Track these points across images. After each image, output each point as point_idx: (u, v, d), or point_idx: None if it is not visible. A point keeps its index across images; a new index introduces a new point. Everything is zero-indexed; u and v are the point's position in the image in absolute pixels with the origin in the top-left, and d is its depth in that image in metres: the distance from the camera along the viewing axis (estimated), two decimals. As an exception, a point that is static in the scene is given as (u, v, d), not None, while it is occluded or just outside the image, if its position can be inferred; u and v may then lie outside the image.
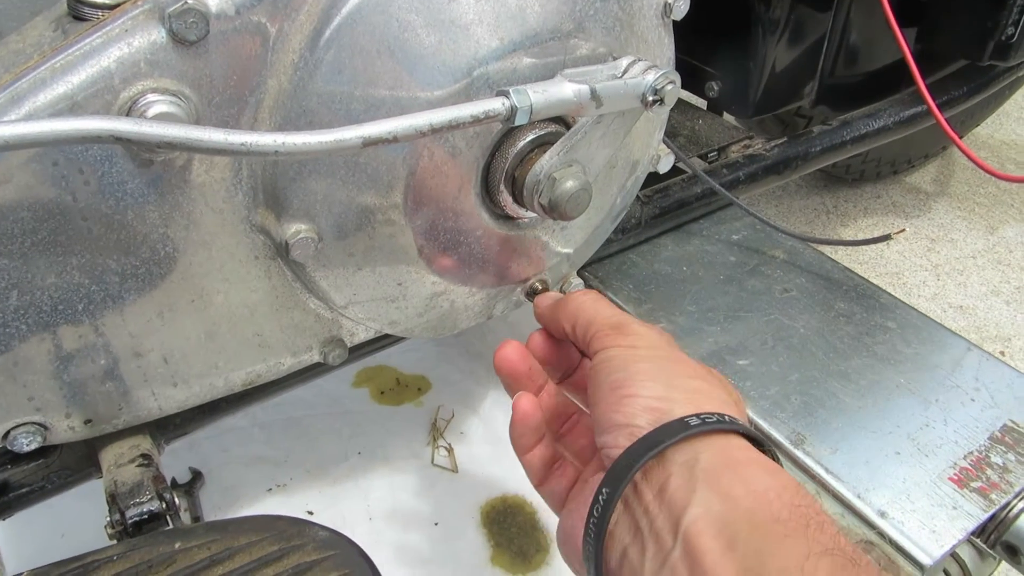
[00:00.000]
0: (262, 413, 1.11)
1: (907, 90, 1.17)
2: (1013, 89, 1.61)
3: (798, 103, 1.18)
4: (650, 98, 0.56)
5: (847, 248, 1.42)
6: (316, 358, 0.68)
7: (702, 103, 1.21)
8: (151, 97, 0.47)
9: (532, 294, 0.71)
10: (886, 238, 0.83)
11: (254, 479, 1.02)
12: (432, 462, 1.05)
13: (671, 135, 1.11)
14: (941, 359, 0.81)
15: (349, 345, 0.69)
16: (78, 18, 0.49)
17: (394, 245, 0.59)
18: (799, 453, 0.70)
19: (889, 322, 0.86)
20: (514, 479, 1.01)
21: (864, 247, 1.44)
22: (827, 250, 1.04)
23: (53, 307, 0.52)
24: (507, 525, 0.97)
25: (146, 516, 0.53)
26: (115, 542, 0.51)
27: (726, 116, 1.19)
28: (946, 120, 1.07)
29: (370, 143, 0.46)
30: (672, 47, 0.68)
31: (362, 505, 0.99)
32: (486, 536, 0.96)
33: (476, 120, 0.49)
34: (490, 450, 1.06)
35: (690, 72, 1.17)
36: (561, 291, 0.78)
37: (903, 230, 0.83)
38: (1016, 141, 1.91)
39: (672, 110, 1.17)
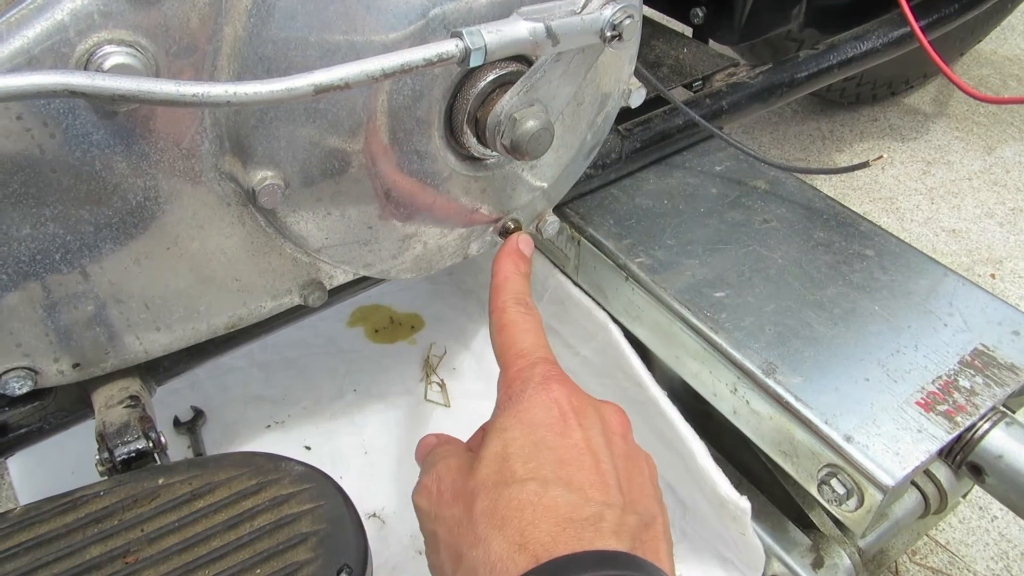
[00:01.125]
0: (260, 354, 1.13)
1: (895, 10, 1.15)
2: (1015, 3, 1.58)
3: (786, 27, 1.16)
4: (608, 33, 0.56)
5: (841, 175, 1.41)
6: (296, 301, 0.70)
7: (688, 30, 1.19)
8: (107, 48, 0.48)
9: (504, 233, 0.72)
10: (864, 165, 0.83)
11: (253, 417, 1.05)
12: (425, 397, 1.07)
13: (655, 65, 1.10)
14: (917, 285, 0.82)
15: (328, 288, 0.71)
16: (30, -29, 0.49)
17: (360, 190, 0.60)
18: (770, 382, 0.72)
19: (867, 250, 0.87)
20: (505, 411, 1.04)
21: (857, 172, 1.43)
22: (816, 179, 1.04)
23: (31, 257, 0.54)
24: (498, 455, 1.00)
25: (133, 454, 0.56)
26: (105, 478, 0.54)
27: (712, 44, 1.18)
28: (936, 40, 1.06)
29: (321, 90, 0.46)
30: (638, -21, 0.67)
31: (357, 440, 1.02)
32: (477, 466, 0.99)
33: (429, 63, 0.49)
34: (482, 385, 1.08)
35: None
36: (537, 229, 0.79)
37: (881, 156, 0.82)
38: (1020, 56, 1.87)
39: (656, 39, 1.17)
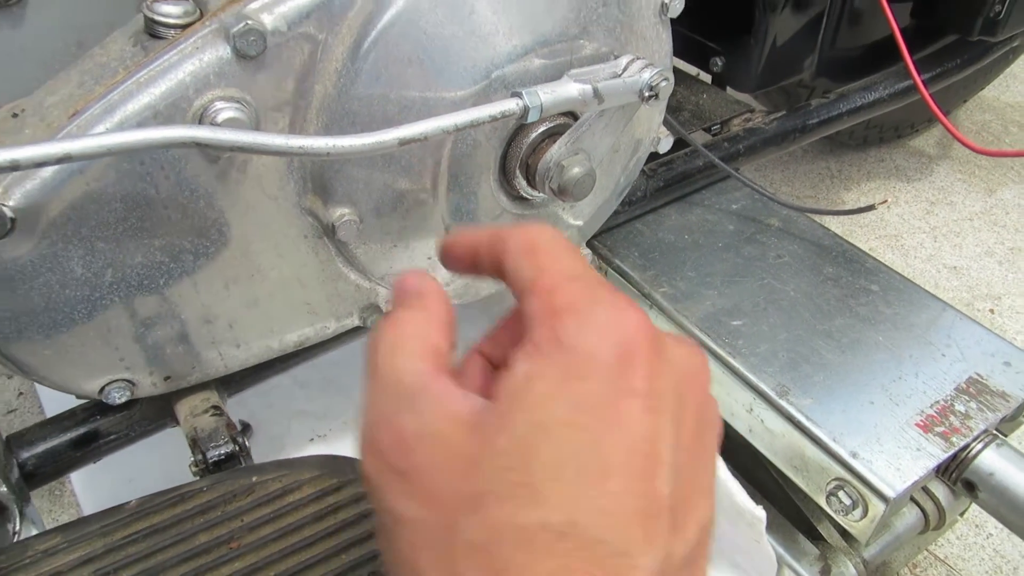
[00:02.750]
0: (302, 373, 1.20)
1: (900, 63, 1.23)
2: (1016, 54, 1.66)
3: (799, 76, 1.24)
4: (646, 94, 0.64)
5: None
6: (356, 323, 0.78)
7: (707, 77, 1.28)
8: (219, 104, 0.56)
9: (545, 264, 0.80)
10: (870, 208, 0.91)
11: (297, 430, 1.13)
12: (457, 415, 1.14)
13: (676, 109, 1.18)
14: (918, 318, 0.89)
15: (384, 310, 0.79)
16: (154, 36, 0.57)
17: (424, 224, 0.68)
18: (783, 403, 0.79)
19: (873, 285, 0.94)
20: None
21: (854, 215, 1.51)
22: (825, 217, 1.12)
23: (140, 282, 0.62)
24: (526, 471, 1.07)
25: (223, 456, 0.63)
26: (198, 478, 0.61)
27: (729, 90, 1.26)
28: (939, 90, 1.14)
29: (405, 143, 0.54)
30: (669, 41, 0.75)
31: (394, 454, 1.09)
32: (507, 481, 1.06)
33: (494, 119, 0.58)
34: (510, 404, 1.16)
35: (695, 47, 1.24)
36: (571, 260, 0.86)
37: (886, 201, 0.90)
38: (1021, 103, 1.96)
39: (678, 85, 1.25)
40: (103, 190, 0.56)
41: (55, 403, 1.13)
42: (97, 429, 0.73)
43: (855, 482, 0.73)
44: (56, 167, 0.53)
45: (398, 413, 0.33)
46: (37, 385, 1.09)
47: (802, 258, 0.98)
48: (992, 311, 1.35)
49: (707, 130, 1.15)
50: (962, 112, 1.90)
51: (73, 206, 0.55)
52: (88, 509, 0.99)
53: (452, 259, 0.42)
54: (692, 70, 1.29)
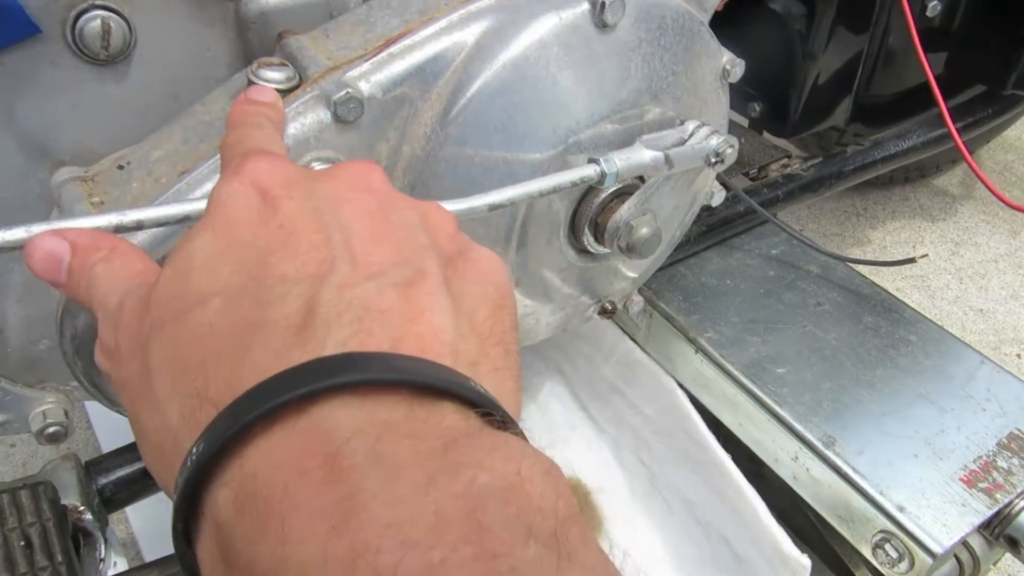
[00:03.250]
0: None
1: (933, 111, 1.26)
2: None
3: (834, 122, 1.28)
4: (712, 160, 0.67)
5: (877, 254, 1.51)
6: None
7: (743, 121, 1.31)
8: (316, 164, 0.59)
9: (603, 312, 0.82)
10: (911, 260, 0.94)
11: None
12: (495, 447, 1.17)
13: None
14: (957, 371, 0.92)
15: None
16: (256, 99, 0.60)
17: (496, 277, 0.70)
18: (830, 453, 0.82)
19: (912, 335, 0.96)
20: (569, 462, 1.13)
21: (888, 248, 1.54)
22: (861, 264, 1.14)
23: (226, 328, 0.64)
24: (563, 505, 1.09)
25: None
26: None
27: (766, 134, 1.29)
28: (969, 138, 1.17)
29: (494, 208, 0.57)
30: (727, 104, 0.78)
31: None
32: (545, 514, 1.08)
33: (574, 184, 0.61)
34: (548, 436, 1.18)
35: (733, 92, 1.27)
36: (624, 307, 0.89)
37: (926, 255, 0.93)
38: (1046, 145, 1.98)
39: (717, 130, 1.27)
40: (204, 245, 0.58)
41: (110, 436, 1.17)
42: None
43: (902, 536, 0.75)
44: (163, 224, 0.56)
45: (111, 314, 0.36)
46: (94, 419, 1.11)
47: (842, 306, 1.01)
48: (1019, 356, 1.38)
49: (745, 174, 1.18)
50: (984, 152, 1.93)
51: (176, 259, 0.58)
52: (134, 520, 1.01)
53: None
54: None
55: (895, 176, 1.73)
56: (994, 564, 0.97)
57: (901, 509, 0.76)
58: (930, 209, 1.74)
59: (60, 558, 0.53)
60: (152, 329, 0.32)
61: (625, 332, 1.08)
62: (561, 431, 1.19)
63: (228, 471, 0.26)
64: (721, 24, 1.20)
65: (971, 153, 1.89)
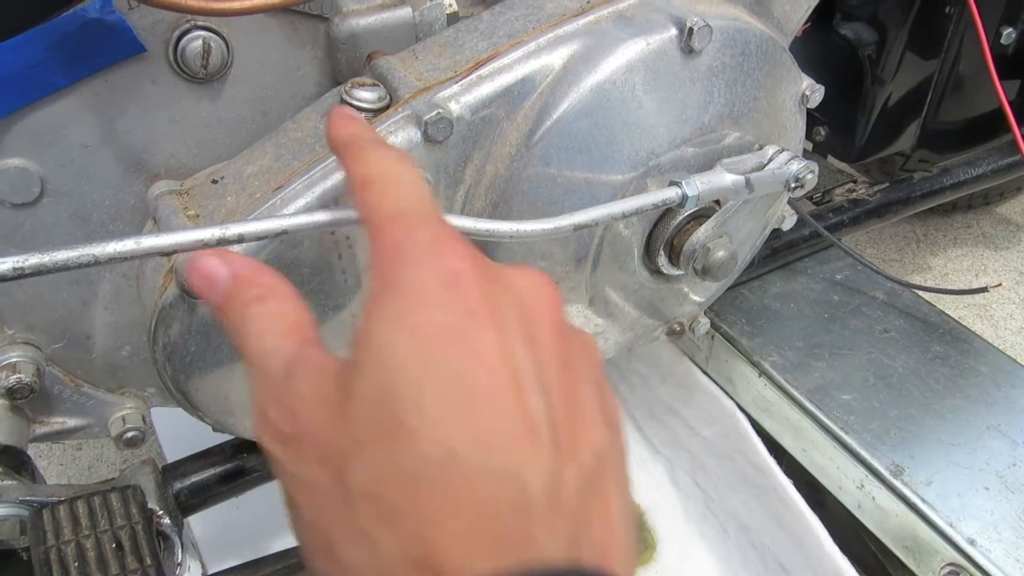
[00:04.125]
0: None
1: (1005, 138, 1.24)
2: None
3: (901, 148, 1.26)
4: (792, 185, 0.67)
5: (938, 281, 1.49)
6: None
7: (808, 145, 1.30)
8: (404, 182, 0.61)
9: (671, 334, 0.83)
10: (983, 290, 0.93)
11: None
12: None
13: (779, 176, 1.21)
14: (1028, 403, 0.90)
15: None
16: (348, 118, 0.62)
17: (571, 296, 0.71)
18: (898, 483, 0.81)
19: (982, 366, 0.95)
20: (623, 483, 1.13)
21: (951, 276, 1.52)
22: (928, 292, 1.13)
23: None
24: (618, 524, 1.09)
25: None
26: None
27: (830, 158, 1.28)
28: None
29: (579, 228, 0.58)
30: (803, 129, 0.78)
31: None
32: (600, 533, 1.08)
33: (656, 207, 0.61)
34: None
35: (798, 115, 1.27)
36: (690, 330, 0.89)
37: (1000, 284, 0.92)
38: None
39: (781, 153, 1.27)
40: (296, 256, 0.60)
41: (173, 442, 1.19)
42: (243, 466, 0.78)
43: (972, 570, 0.74)
44: (258, 236, 0.58)
45: (277, 386, 0.34)
46: (157, 425, 1.14)
47: (909, 334, 1.00)
48: (1085, 389, 1.34)
49: (809, 198, 1.18)
50: (1050, 180, 1.89)
51: (268, 271, 0.60)
52: (196, 527, 1.04)
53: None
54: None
55: (958, 203, 1.70)
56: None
57: (972, 542, 0.75)
58: (993, 237, 1.71)
59: (149, 561, 0.55)
60: (352, 447, 0.31)
61: (684, 353, 1.08)
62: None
63: None
64: (790, 48, 1.20)
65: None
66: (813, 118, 1.24)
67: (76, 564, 0.52)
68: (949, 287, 1.13)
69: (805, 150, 1.29)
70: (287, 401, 0.34)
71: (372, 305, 0.33)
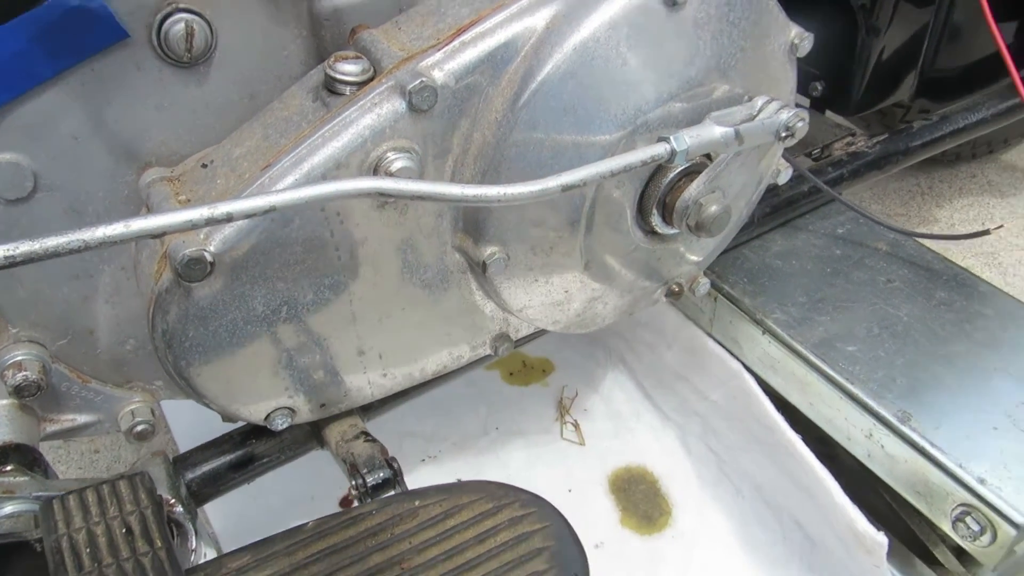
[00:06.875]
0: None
1: (1004, 82, 1.23)
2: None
3: (899, 98, 1.25)
4: (783, 134, 0.66)
5: (944, 231, 1.48)
6: (488, 351, 0.82)
7: (805, 100, 1.29)
8: (391, 155, 0.61)
9: (670, 295, 0.83)
10: (985, 233, 0.92)
11: (408, 451, 1.17)
12: (561, 436, 1.18)
13: (776, 134, 1.20)
14: (1036, 344, 0.90)
15: (514, 340, 0.82)
16: (333, 92, 0.62)
17: (566, 260, 0.71)
18: (906, 429, 0.81)
19: (987, 309, 0.94)
20: (636, 451, 1.14)
21: (957, 226, 1.51)
22: (931, 240, 1.12)
23: (308, 317, 0.66)
24: (632, 492, 1.10)
25: (381, 481, 0.67)
26: (358, 503, 0.65)
27: (828, 113, 1.27)
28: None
29: (567, 189, 0.58)
30: (795, 79, 0.78)
31: (503, 474, 1.13)
32: (614, 501, 1.08)
33: (645, 163, 0.61)
34: (612, 425, 1.18)
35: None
36: (691, 289, 0.89)
37: (1001, 226, 0.91)
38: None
39: (776, 111, 1.26)
40: (288, 235, 0.61)
41: (187, 436, 1.20)
42: (252, 453, 0.78)
43: (984, 508, 0.74)
44: (250, 215, 0.58)
45: None
46: (170, 419, 1.15)
47: (912, 283, 0.99)
48: (1097, 331, 1.33)
49: (808, 155, 1.17)
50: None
51: (261, 250, 0.60)
52: (215, 518, 1.05)
53: None
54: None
55: (962, 153, 1.68)
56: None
57: (982, 481, 0.75)
58: (999, 185, 1.69)
59: (160, 543, 0.55)
60: None
61: (688, 317, 1.08)
62: (627, 421, 1.19)
63: None
64: (783, 2, 1.19)
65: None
66: (809, 73, 1.23)
67: (88, 550, 0.53)
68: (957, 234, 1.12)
69: (800, 106, 1.28)
70: None
71: None
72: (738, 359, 1.01)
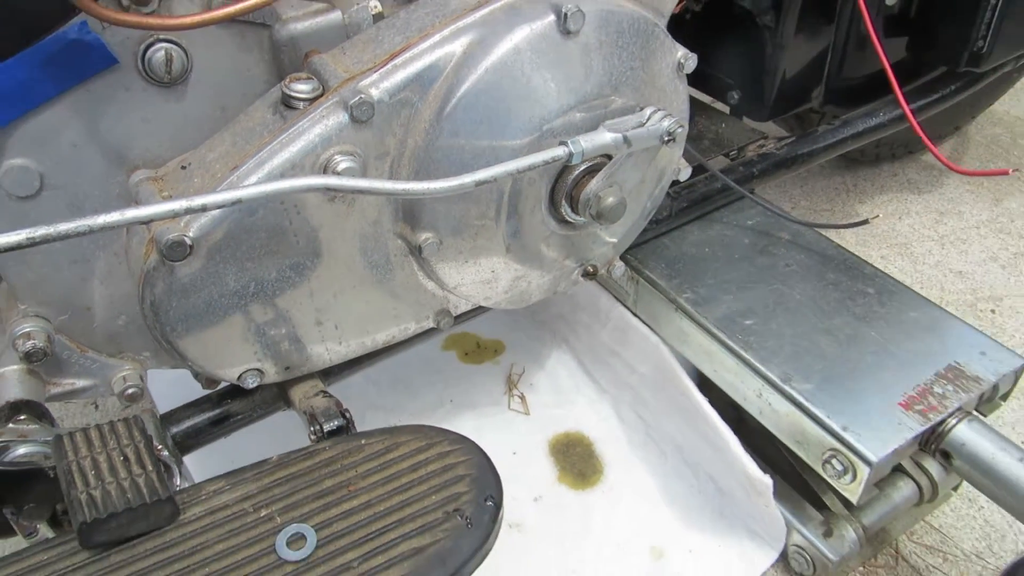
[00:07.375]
0: (374, 373, 1.38)
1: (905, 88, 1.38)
2: (1022, 72, 1.79)
3: (808, 105, 1.40)
4: (666, 138, 0.81)
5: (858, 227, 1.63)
6: (431, 325, 0.95)
7: (726, 108, 1.44)
8: (338, 157, 0.74)
9: (586, 275, 0.97)
10: (864, 222, 1.07)
11: (372, 422, 1.30)
12: (509, 407, 1.31)
13: (698, 138, 1.35)
14: (908, 316, 1.04)
15: (454, 315, 0.96)
16: (289, 107, 0.75)
17: (490, 245, 0.85)
18: (787, 387, 0.95)
19: (869, 288, 1.09)
20: (575, 419, 1.28)
21: (877, 222, 1.66)
22: (834, 230, 1.26)
23: (272, 292, 0.80)
24: (569, 454, 1.24)
25: (336, 427, 0.81)
26: (324, 440, 0.79)
27: (746, 119, 1.42)
28: (947, 109, 1.29)
29: (480, 184, 0.72)
30: (686, 92, 0.92)
31: (456, 440, 1.27)
32: (553, 462, 1.22)
33: (547, 163, 0.75)
34: (555, 397, 1.32)
35: (714, 82, 1.40)
36: (608, 272, 1.03)
37: (878, 215, 1.05)
38: (1031, 117, 2.08)
39: (700, 116, 1.42)
40: (254, 223, 0.74)
41: (165, 400, 1.32)
42: (229, 411, 0.92)
43: (845, 451, 0.89)
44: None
45: None
46: (150, 385, 1.28)
47: (808, 267, 1.14)
48: (993, 311, 1.49)
49: (726, 155, 1.31)
50: (973, 126, 2.03)
51: (232, 235, 0.73)
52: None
53: None
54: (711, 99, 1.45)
55: (882, 153, 1.84)
56: (955, 489, 1.10)
57: (844, 428, 0.89)
58: (917, 183, 1.85)
59: (151, 467, 0.68)
60: None
61: (617, 299, 1.22)
62: (568, 394, 1.33)
63: None
64: (698, 22, 1.34)
65: (957, 129, 2.00)
66: (726, 84, 1.38)
67: (92, 472, 0.66)
68: (869, 230, 1.26)
69: (722, 112, 1.43)
70: None
71: None
72: (657, 334, 1.15)
